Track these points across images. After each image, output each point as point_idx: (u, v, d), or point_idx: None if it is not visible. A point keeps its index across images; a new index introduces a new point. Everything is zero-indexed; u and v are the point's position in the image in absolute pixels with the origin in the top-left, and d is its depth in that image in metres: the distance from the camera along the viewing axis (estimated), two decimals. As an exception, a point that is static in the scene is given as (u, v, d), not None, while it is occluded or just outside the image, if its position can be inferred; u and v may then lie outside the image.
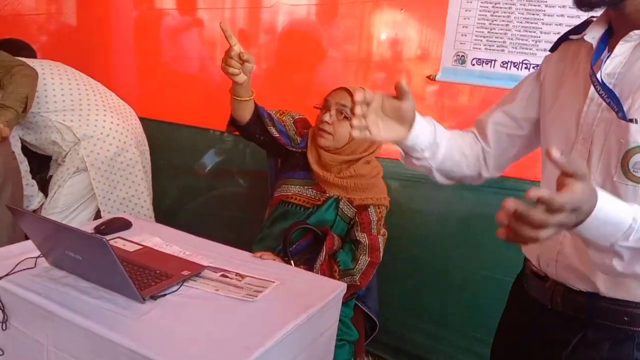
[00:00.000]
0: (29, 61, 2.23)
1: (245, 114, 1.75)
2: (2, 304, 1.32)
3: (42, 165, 2.53)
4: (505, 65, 1.93)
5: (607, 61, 0.93)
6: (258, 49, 2.59)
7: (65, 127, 2.17)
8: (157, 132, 2.68)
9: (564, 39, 1.09)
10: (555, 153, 0.73)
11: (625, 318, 0.96)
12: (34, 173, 2.48)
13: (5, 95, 2.00)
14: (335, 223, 1.79)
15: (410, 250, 2.20)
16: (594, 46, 0.97)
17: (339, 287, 1.45)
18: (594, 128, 0.95)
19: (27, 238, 1.79)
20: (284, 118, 1.92)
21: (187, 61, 2.79)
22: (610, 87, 0.92)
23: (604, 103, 0.92)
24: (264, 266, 1.55)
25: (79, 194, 2.21)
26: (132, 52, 2.99)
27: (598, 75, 0.92)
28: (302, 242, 1.80)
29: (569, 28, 1.07)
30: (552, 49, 1.13)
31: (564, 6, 1.76)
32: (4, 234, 2.10)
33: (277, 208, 1.87)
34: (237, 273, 1.46)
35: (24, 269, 1.38)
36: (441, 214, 2.19)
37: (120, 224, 1.75)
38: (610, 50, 0.94)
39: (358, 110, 1.00)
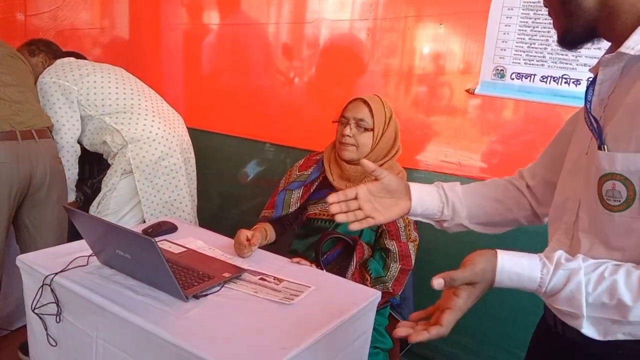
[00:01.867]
0: (83, 65, 2.37)
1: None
2: (56, 298, 1.40)
3: (93, 170, 2.67)
4: (545, 80, 1.93)
5: (596, 87, 0.91)
6: (300, 62, 2.66)
7: (116, 130, 2.29)
8: (202, 142, 2.78)
9: None
10: (438, 284, 0.88)
11: None
12: (88, 179, 2.62)
13: None
14: (363, 232, 1.83)
15: (445, 262, 2.19)
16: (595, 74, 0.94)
17: (373, 295, 1.48)
18: (580, 157, 0.97)
19: (70, 239, 1.90)
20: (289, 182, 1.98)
21: (231, 74, 2.89)
22: (599, 113, 0.91)
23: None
24: (301, 272, 1.59)
25: (127, 197, 2.31)
26: (181, 65, 3.11)
27: (589, 102, 0.92)
28: (333, 252, 1.84)
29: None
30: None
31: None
32: (52, 235, 2.23)
33: (305, 226, 1.94)
34: (275, 277, 1.50)
35: (77, 267, 1.47)
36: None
37: (167, 227, 1.83)
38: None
39: (343, 218, 1.10)
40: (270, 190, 2.05)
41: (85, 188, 2.56)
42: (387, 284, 1.74)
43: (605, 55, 0.89)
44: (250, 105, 2.83)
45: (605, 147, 0.86)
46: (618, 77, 0.89)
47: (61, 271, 1.43)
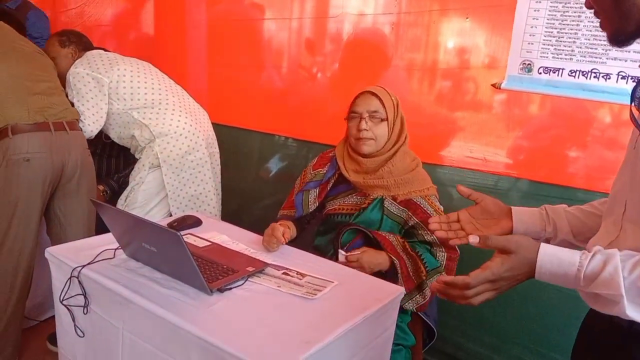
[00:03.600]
0: (113, 58, 2.40)
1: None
2: (84, 290, 1.43)
3: (119, 165, 2.71)
4: (574, 74, 1.89)
5: None
6: (324, 58, 2.66)
7: (144, 125, 2.32)
8: (226, 137, 2.80)
9: None
10: (473, 240, 0.97)
11: None
12: (114, 173, 2.66)
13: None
14: (383, 222, 1.82)
15: (470, 259, 2.18)
16: None
17: (397, 291, 1.48)
18: (634, 150, 0.98)
19: (98, 232, 1.94)
20: (305, 181, 1.99)
21: (255, 70, 2.90)
22: None
23: None
24: (324, 267, 1.59)
25: (155, 190, 2.34)
26: (205, 61, 3.14)
27: (637, 99, 0.93)
28: (352, 243, 1.83)
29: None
30: None
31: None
32: (81, 226, 2.27)
33: (325, 222, 1.94)
34: (298, 272, 1.51)
35: (104, 259, 1.49)
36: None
37: (192, 222, 1.85)
38: None
39: (443, 234, 1.21)
40: (292, 186, 2.06)
41: (112, 182, 2.60)
42: (443, 273, 1.75)
43: None
44: (273, 100, 2.84)
45: None
46: None
47: (88, 264, 1.45)
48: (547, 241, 1.20)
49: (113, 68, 2.34)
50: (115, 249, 1.53)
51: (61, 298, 1.46)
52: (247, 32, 2.89)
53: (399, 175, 1.84)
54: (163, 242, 1.35)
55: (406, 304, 1.75)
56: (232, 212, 2.78)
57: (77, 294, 1.44)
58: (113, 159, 2.69)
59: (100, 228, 1.76)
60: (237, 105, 2.99)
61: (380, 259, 1.73)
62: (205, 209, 2.44)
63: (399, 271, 1.72)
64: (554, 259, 0.90)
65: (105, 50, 2.60)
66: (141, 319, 1.30)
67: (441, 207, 1.87)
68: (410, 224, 1.83)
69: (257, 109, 2.90)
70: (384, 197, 1.83)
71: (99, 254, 1.50)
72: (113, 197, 2.56)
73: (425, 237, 1.79)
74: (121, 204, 2.38)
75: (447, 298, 0.99)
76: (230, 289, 1.37)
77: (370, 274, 1.67)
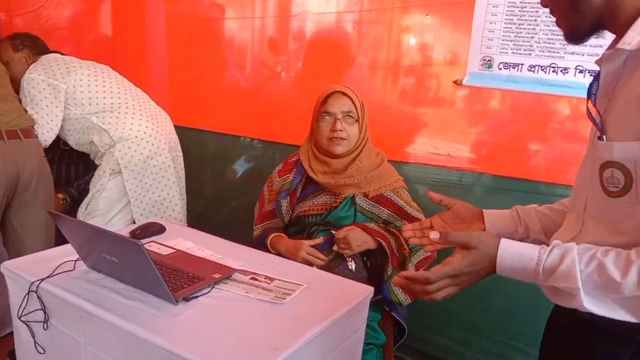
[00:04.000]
0: (74, 59, 2.32)
1: None
2: (43, 304, 1.38)
3: (79, 172, 2.63)
4: (533, 69, 1.92)
5: (600, 81, 0.94)
6: (287, 57, 2.64)
7: (103, 130, 2.26)
8: (190, 139, 2.75)
9: None
10: (434, 236, 1.00)
11: None
12: (74, 181, 2.58)
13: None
14: (356, 218, 1.85)
15: (437, 254, 2.20)
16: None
17: (366, 291, 1.47)
18: (592, 146, 1.00)
19: (58, 242, 1.88)
20: (274, 190, 2.00)
21: (217, 70, 2.85)
22: (604, 106, 0.94)
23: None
24: (292, 269, 1.58)
25: (116, 197, 2.28)
26: (166, 62, 3.08)
27: (593, 95, 0.96)
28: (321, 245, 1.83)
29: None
30: None
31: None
32: (39, 236, 2.20)
33: (295, 224, 1.94)
34: (266, 276, 1.49)
35: (64, 272, 1.44)
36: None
37: (155, 229, 1.80)
38: None
39: (417, 240, 1.24)
40: (259, 187, 2.03)
41: (72, 190, 2.52)
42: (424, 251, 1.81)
43: (606, 52, 0.92)
44: (237, 101, 2.80)
45: (605, 137, 0.91)
46: (621, 70, 0.92)
47: (47, 277, 1.40)
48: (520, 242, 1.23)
49: (70, 73, 2.27)
50: (75, 261, 1.48)
51: (19, 314, 1.40)
52: (208, 31, 2.85)
53: (367, 172, 1.86)
54: (124, 252, 1.31)
55: (399, 296, 1.80)
56: (197, 217, 2.74)
57: (36, 309, 1.39)
58: (72, 166, 2.61)
59: (61, 239, 1.70)
60: (200, 106, 2.94)
61: (366, 237, 1.79)
62: (170, 214, 2.39)
63: (387, 246, 1.77)
64: (514, 254, 0.93)
65: (62, 54, 2.52)
66: (104, 332, 1.26)
67: (409, 196, 1.93)
68: (383, 218, 1.86)
69: (222, 110, 2.86)
70: (355, 195, 1.84)
71: (58, 267, 1.45)
72: (73, 205, 2.48)
73: (400, 227, 1.81)
74: (82, 212, 2.31)
75: (410, 294, 1.02)
76: (197, 297, 1.34)
77: (358, 252, 1.77)
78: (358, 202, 1.85)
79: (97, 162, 2.33)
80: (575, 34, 0.95)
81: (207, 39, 2.86)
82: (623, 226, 0.90)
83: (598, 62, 0.96)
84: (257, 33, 2.71)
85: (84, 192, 2.45)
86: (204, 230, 1.90)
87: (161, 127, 2.40)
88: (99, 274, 1.43)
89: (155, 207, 2.35)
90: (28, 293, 1.38)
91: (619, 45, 0.88)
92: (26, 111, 2.21)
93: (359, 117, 1.85)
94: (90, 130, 2.28)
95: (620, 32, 0.90)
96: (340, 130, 1.81)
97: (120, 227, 2.25)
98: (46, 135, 2.23)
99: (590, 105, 0.97)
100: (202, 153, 2.92)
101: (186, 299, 1.31)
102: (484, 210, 1.23)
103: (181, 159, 2.56)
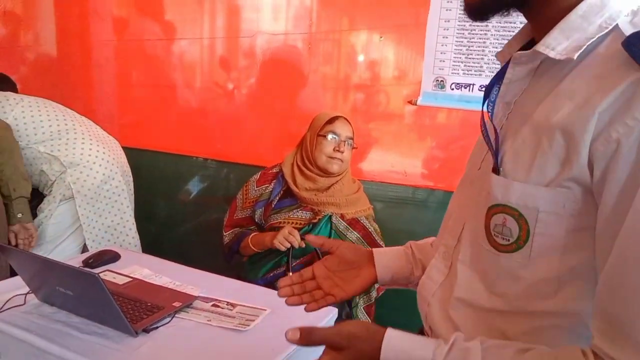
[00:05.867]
0: (10, 96, 2.22)
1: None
2: (-9, 343, 1.30)
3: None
4: (483, 89, 1.99)
5: (503, 87, 0.74)
6: (238, 74, 2.62)
7: (53, 157, 2.17)
8: (139, 161, 2.67)
9: None
10: (292, 336, 0.69)
11: None
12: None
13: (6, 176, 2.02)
14: (330, 237, 1.87)
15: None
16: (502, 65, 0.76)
17: (330, 313, 1.47)
18: (476, 171, 0.79)
19: (11, 275, 1.78)
20: (250, 198, 2.04)
21: (166, 90, 2.81)
22: (501, 122, 0.74)
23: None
24: (254, 293, 1.56)
25: (66, 224, 2.19)
26: (113, 82, 3.00)
27: (491, 103, 0.75)
28: (297, 265, 1.83)
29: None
30: None
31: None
32: None
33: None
34: (228, 302, 1.46)
35: (14, 306, 1.37)
36: (427, 234, 2.23)
37: (109, 257, 1.74)
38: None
39: (296, 300, 0.96)
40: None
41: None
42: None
43: (518, 52, 0.71)
44: (186, 120, 2.76)
45: (502, 170, 0.69)
46: (530, 79, 0.72)
47: (-5, 313, 1.32)
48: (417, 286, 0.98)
49: (8, 108, 2.16)
50: (26, 294, 1.41)
51: (-36, 354, 1.32)
52: (157, 51, 2.80)
53: (348, 194, 1.96)
54: (79, 284, 1.25)
55: (357, 311, 1.87)
56: (151, 241, 2.66)
57: (-16, 348, 1.31)
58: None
59: (14, 271, 1.61)
60: (150, 127, 2.88)
61: None
62: (124, 239, 2.32)
63: None
64: (401, 354, 0.68)
65: (3, 75, 2.41)
66: (60, 370, 1.20)
67: (376, 225, 2.01)
68: (352, 240, 1.90)
69: (171, 130, 2.82)
70: (332, 214, 1.90)
71: (7, 301, 1.37)
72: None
73: None
74: None
75: None
76: (157, 328, 1.30)
77: None
78: (334, 222, 1.90)
79: (45, 192, 2.22)
80: (478, 5, 0.71)
81: (156, 58, 2.81)
82: (505, 288, 0.70)
83: (501, 56, 0.76)
84: (209, 53, 2.69)
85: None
86: (158, 255, 1.85)
87: (112, 152, 2.34)
88: (52, 308, 1.37)
89: (108, 233, 2.28)
90: (-26, 331, 1.30)
91: (539, 49, 0.67)
92: None
93: (353, 146, 1.98)
94: (38, 160, 2.18)
95: (541, 27, 0.69)
96: (342, 152, 1.91)
97: (69, 254, 2.16)
98: None
99: (487, 119, 0.75)
100: (153, 175, 2.85)
101: (146, 331, 1.27)
102: (374, 250, 1.01)
103: (132, 184, 2.49)
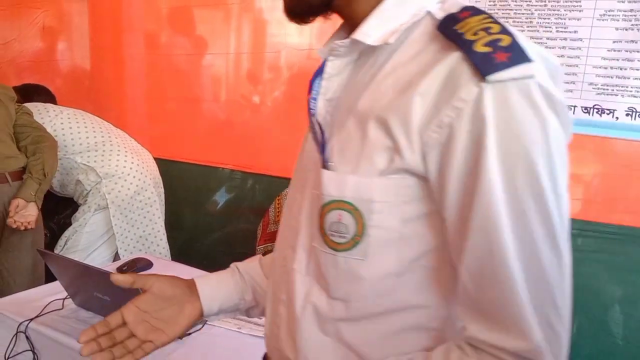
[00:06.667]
0: (50, 107, 2.32)
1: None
2: (32, 345, 1.36)
3: (59, 206, 2.60)
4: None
5: (323, 83, 0.69)
6: (264, 87, 2.68)
7: (89, 168, 2.26)
8: (168, 171, 2.75)
9: None
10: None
11: None
12: (53, 215, 2.55)
13: (31, 164, 2.10)
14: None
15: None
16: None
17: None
18: (307, 173, 0.72)
19: (47, 281, 1.85)
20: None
21: (195, 103, 2.88)
22: (327, 119, 0.69)
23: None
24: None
25: (99, 232, 2.27)
26: (144, 94, 3.09)
27: (313, 100, 0.70)
28: None
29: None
30: None
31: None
32: (25, 277, 2.15)
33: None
34: (257, 310, 1.50)
35: (52, 311, 1.43)
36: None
37: (142, 264, 1.80)
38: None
39: (106, 356, 0.77)
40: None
41: (51, 224, 2.49)
42: None
43: (337, 42, 0.67)
44: (214, 132, 2.83)
45: (331, 165, 0.65)
46: (350, 71, 0.69)
47: (36, 317, 1.39)
48: (250, 312, 0.93)
49: (46, 123, 2.27)
50: (64, 299, 1.47)
51: (7, 356, 1.38)
52: (187, 65, 2.88)
53: None
54: (116, 291, 1.28)
55: None
56: (179, 250, 2.72)
57: (25, 350, 1.37)
58: (52, 201, 2.58)
59: (51, 277, 1.68)
60: (179, 139, 2.95)
61: None
62: (154, 249, 2.39)
63: None
64: None
65: (43, 87, 2.52)
66: (96, 372, 1.25)
67: None
68: None
69: (199, 141, 2.87)
70: None
71: (46, 306, 1.44)
72: (53, 239, 2.45)
73: None
74: (60, 244, 2.28)
75: None
76: (189, 334, 1.34)
77: None
78: None
79: (80, 201, 2.31)
80: (299, 8, 0.69)
81: (185, 72, 2.88)
82: (345, 291, 0.65)
83: (321, 54, 0.72)
84: (234, 66, 2.75)
85: (63, 226, 2.43)
86: (186, 263, 1.90)
87: (145, 164, 2.42)
88: (89, 313, 1.43)
89: (139, 242, 2.35)
90: (16, 334, 1.37)
91: (356, 36, 0.65)
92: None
93: None
94: (75, 171, 2.28)
95: (357, 19, 0.67)
96: None
97: (101, 262, 2.23)
98: None
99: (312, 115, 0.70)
100: (181, 185, 2.91)
101: (179, 337, 1.31)
102: (196, 279, 0.88)
103: (163, 195, 2.57)
